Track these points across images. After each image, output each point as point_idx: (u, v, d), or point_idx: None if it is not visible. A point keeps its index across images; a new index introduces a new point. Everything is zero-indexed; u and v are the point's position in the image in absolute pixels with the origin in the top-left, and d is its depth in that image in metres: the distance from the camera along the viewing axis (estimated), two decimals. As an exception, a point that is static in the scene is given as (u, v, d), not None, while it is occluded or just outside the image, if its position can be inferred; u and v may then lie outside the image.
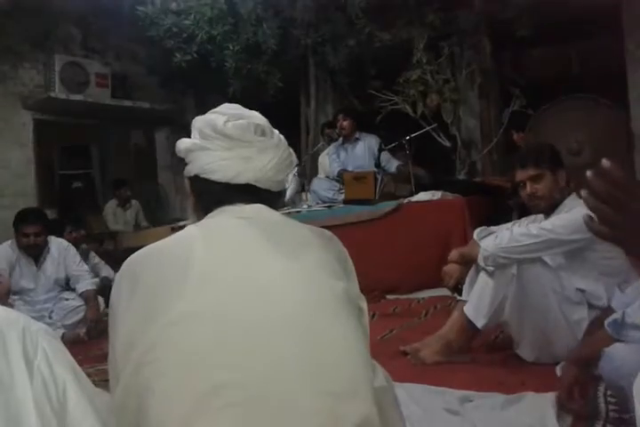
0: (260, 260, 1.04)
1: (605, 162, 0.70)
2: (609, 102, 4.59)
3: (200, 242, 1.04)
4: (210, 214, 1.13)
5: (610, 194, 0.72)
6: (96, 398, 0.78)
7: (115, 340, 1.02)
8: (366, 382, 0.97)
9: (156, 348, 0.93)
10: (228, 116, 1.15)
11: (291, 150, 1.21)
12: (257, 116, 1.19)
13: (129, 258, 1.08)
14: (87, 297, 3.79)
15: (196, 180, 1.15)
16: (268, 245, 1.06)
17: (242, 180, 1.12)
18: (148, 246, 1.08)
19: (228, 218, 1.11)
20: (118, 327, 1.02)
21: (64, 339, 3.20)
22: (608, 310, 1.81)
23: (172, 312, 0.94)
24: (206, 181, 1.13)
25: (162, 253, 1.06)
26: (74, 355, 0.88)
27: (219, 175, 1.12)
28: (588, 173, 0.71)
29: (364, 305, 1.13)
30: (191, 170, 1.15)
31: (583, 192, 0.74)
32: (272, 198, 1.17)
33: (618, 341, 1.55)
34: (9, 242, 3.82)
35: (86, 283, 3.86)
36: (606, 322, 1.66)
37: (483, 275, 2.30)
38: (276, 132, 1.21)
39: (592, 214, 0.73)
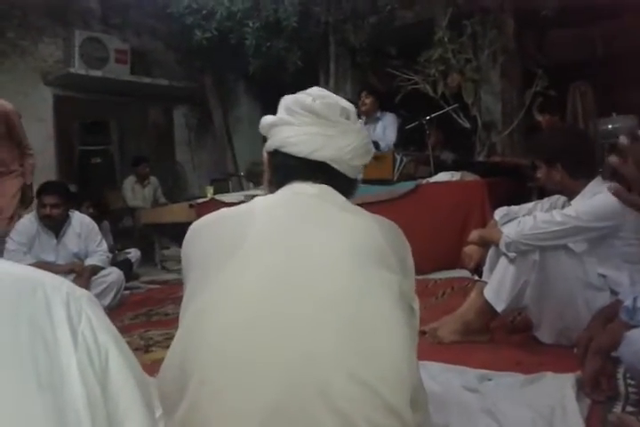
0: (314, 241, 1.04)
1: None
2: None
3: (261, 214, 1.09)
4: (281, 188, 1.16)
5: None
6: (137, 367, 0.78)
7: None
8: (403, 379, 0.97)
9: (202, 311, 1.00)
10: (315, 96, 1.18)
11: (369, 140, 1.24)
12: (344, 101, 1.23)
13: (193, 224, 1.14)
14: (84, 269, 3.78)
15: (275, 154, 1.18)
16: (325, 227, 1.07)
17: (319, 156, 1.14)
18: (212, 214, 1.14)
19: (295, 194, 1.14)
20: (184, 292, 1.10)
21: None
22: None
23: (217, 283, 1.01)
24: (285, 155, 1.16)
25: (220, 222, 1.11)
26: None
27: (298, 148, 1.14)
28: (622, 139, 0.69)
29: (417, 306, 1.11)
30: (271, 144, 1.19)
31: (613, 158, 0.70)
32: (344, 183, 1.18)
33: (634, 327, 1.55)
34: (29, 215, 3.85)
35: (94, 259, 3.87)
36: (620, 310, 1.67)
37: (504, 260, 2.29)
38: (359, 120, 1.25)
39: (618, 187, 0.71)
